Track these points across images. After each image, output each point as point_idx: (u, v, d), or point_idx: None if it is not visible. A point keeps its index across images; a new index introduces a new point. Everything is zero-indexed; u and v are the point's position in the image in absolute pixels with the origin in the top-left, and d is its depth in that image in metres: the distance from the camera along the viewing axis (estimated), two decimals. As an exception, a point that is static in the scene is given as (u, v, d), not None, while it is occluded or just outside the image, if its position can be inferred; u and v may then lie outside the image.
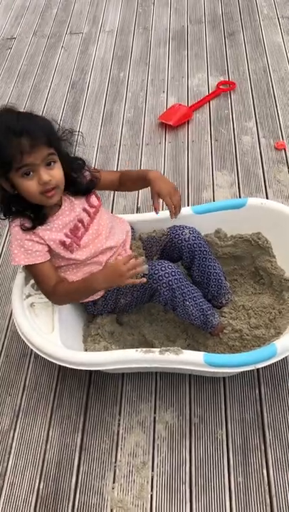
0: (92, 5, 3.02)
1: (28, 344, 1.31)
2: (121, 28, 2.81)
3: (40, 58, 2.72)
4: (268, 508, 1.21)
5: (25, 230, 1.24)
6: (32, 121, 1.17)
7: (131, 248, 1.41)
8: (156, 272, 1.29)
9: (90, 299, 1.38)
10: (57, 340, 1.30)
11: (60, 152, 1.21)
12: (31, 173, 1.16)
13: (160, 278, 1.28)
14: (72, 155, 1.30)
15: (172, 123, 2.19)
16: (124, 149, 2.16)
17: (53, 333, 1.32)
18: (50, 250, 1.28)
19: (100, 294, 1.37)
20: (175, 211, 1.32)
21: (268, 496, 1.23)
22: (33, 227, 1.24)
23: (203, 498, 1.24)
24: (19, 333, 1.33)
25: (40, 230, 1.25)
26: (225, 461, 1.29)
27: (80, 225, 1.31)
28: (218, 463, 1.29)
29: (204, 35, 2.65)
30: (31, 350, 1.37)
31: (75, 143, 1.29)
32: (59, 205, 1.29)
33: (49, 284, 1.29)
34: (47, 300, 1.37)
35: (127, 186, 1.45)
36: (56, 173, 1.19)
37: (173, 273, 1.29)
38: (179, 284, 1.29)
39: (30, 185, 1.17)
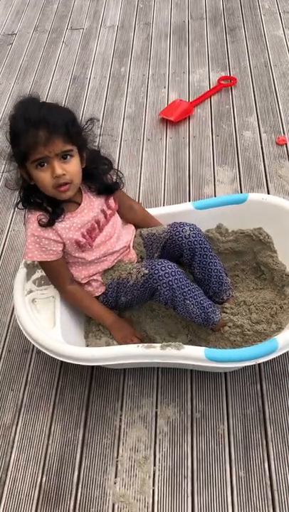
0: (92, 0, 3.00)
1: (30, 340, 1.31)
2: (122, 23, 2.80)
3: (41, 54, 2.72)
4: (270, 503, 1.21)
5: (42, 225, 1.23)
6: (53, 112, 1.16)
7: (133, 247, 1.41)
8: (156, 271, 1.29)
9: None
10: (58, 336, 1.30)
11: (80, 147, 1.21)
12: (45, 164, 1.15)
13: (160, 278, 1.28)
14: (102, 154, 1.31)
15: (173, 119, 2.19)
16: (125, 145, 2.16)
17: (54, 329, 1.32)
18: (64, 247, 1.29)
19: (101, 291, 1.38)
20: None
21: (269, 491, 1.23)
22: (51, 223, 1.23)
23: (205, 493, 1.24)
24: (21, 329, 1.33)
25: (60, 227, 1.25)
26: (226, 456, 1.29)
27: (96, 225, 1.31)
28: (220, 458, 1.29)
29: (205, 31, 2.64)
30: (33, 345, 1.37)
31: (98, 138, 1.31)
32: (78, 202, 1.28)
33: (63, 280, 1.32)
34: (48, 296, 1.37)
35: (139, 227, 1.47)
36: (71, 168, 1.18)
37: (173, 273, 1.29)
38: (179, 284, 1.29)
39: (43, 178, 1.17)
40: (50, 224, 1.23)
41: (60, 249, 1.28)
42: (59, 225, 1.25)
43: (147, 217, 1.48)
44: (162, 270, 1.28)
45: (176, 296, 1.29)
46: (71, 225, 1.27)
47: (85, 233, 1.29)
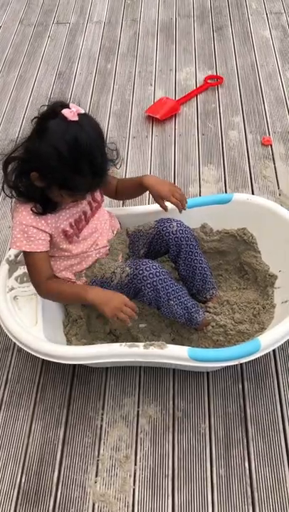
0: (79, -6, 2.98)
1: (11, 338, 1.29)
2: (109, 19, 2.78)
3: (26, 47, 2.68)
4: (249, 501, 1.22)
5: (35, 213, 1.21)
6: (107, 161, 1.19)
7: (118, 244, 1.40)
8: (140, 271, 1.28)
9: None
10: (40, 334, 1.29)
11: None
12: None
13: (144, 278, 1.27)
14: None
15: (159, 116, 2.18)
16: (111, 141, 2.14)
17: (36, 326, 1.31)
18: (51, 239, 1.27)
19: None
20: (182, 205, 1.37)
21: (249, 489, 1.24)
22: (44, 213, 1.22)
23: (185, 491, 1.24)
24: (2, 326, 1.31)
25: (49, 216, 1.24)
26: (207, 455, 1.29)
27: (82, 216, 1.30)
28: (201, 456, 1.29)
29: (193, 29, 2.63)
30: (14, 343, 1.35)
31: None
32: None
33: (41, 276, 1.28)
34: (30, 293, 1.36)
35: (125, 194, 1.47)
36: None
37: (158, 273, 1.28)
38: (163, 285, 1.28)
39: (66, 200, 1.20)
40: (43, 214, 1.22)
41: (48, 239, 1.26)
42: (49, 215, 1.24)
43: (125, 183, 1.45)
44: (147, 270, 1.28)
45: (160, 296, 1.29)
46: (60, 215, 1.26)
47: (73, 223, 1.28)
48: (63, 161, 1.09)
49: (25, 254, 1.27)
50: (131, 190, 1.44)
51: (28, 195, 1.20)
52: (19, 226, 1.22)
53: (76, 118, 1.11)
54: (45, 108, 1.17)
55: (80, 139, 1.09)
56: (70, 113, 1.11)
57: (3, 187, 1.21)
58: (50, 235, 1.26)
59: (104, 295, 1.25)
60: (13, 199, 1.24)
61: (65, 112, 1.11)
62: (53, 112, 1.13)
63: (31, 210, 1.21)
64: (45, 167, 1.12)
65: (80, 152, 1.09)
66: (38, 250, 1.24)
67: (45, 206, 1.21)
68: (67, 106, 1.13)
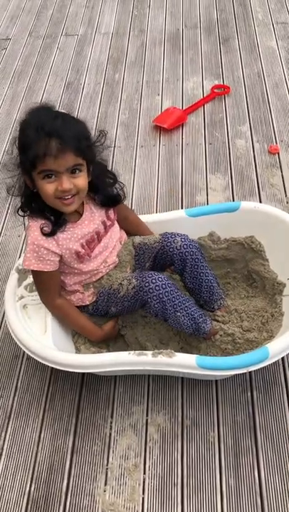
0: (87, 7, 3.02)
1: (21, 346, 1.30)
2: (116, 30, 2.82)
3: (35, 59, 2.72)
4: (259, 510, 1.21)
5: (45, 234, 1.21)
6: (68, 124, 1.14)
7: (125, 255, 1.41)
8: (146, 284, 1.28)
9: (81, 303, 1.38)
10: (49, 342, 1.30)
11: (90, 160, 1.20)
12: (53, 176, 1.14)
13: (150, 291, 1.27)
14: (109, 168, 1.32)
15: (166, 126, 2.20)
16: (119, 151, 2.17)
17: (45, 335, 1.32)
18: (62, 259, 1.27)
19: (91, 300, 1.37)
20: None
21: (259, 498, 1.23)
22: (53, 233, 1.22)
23: (195, 501, 1.24)
24: (12, 335, 1.32)
25: (61, 237, 1.24)
26: (216, 464, 1.29)
27: (95, 236, 1.30)
28: (210, 465, 1.29)
29: (199, 40, 2.66)
30: (23, 351, 1.36)
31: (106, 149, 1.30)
32: (80, 213, 1.28)
33: (51, 294, 1.31)
34: (40, 302, 1.36)
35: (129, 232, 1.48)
36: (79, 182, 1.17)
37: (164, 285, 1.28)
38: (169, 297, 1.28)
39: (48, 189, 1.15)
40: (52, 233, 1.22)
41: (57, 260, 1.26)
42: (60, 235, 1.24)
43: (140, 228, 1.48)
44: (153, 283, 1.27)
45: (166, 308, 1.29)
46: (72, 236, 1.25)
47: (84, 244, 1.28)
48: (20, 142, 1.14)
49: (33, 272, 1.29)
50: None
51: (32, 206, 1.22)
52: (30, 245, 1.23)
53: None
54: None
55: (30, 117, 1.14)
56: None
57: (12, 193, 1.24)
58: (61, 256, 1.26)
59: (102, 338, 1.40)
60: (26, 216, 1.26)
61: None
62: None
63: (41, 230, 1.21)
64: (20, 164, 1.16)
65: (28, 123, 1.13)
66: (46, 270, 1.25)
67: (53, 222, 1.22)
68: (49, 109, 1.18)
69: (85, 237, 1.28)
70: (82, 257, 1.28)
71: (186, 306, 1.31)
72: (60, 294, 1.34)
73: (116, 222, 1.39)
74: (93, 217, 1.29)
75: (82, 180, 1.18)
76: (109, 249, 1.35)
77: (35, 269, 1.25)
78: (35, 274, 1.28)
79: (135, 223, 1.48)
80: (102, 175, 1.30)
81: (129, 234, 1.46)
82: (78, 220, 1.27)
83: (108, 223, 1.33)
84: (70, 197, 1.17)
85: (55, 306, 1.33)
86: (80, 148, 1.13)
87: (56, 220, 1.22)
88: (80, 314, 1.37)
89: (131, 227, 1.46)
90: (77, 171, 1.16)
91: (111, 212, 1.34)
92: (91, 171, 1.22)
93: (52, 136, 1.10)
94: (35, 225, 1.22)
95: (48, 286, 1.30)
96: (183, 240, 1.39)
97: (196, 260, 1.38)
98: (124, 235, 1.45)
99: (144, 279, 1.29)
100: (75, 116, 1.23)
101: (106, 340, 1.42)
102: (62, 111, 1.21)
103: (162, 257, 1.41)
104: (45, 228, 1.21)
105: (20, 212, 1.25)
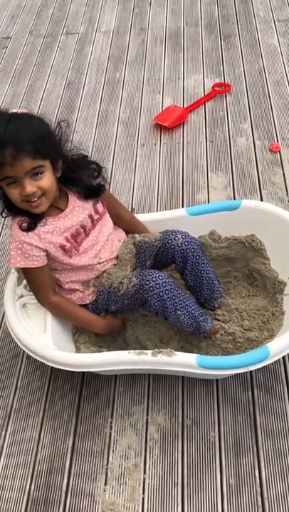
0: (88, 5, 3.01)
1: (20, 345, 1.30)
2: (117, 28, 2.81)
3: (35, 58, 2.71)
4: (260, 510, 1.21)
5: (24, 229, 1.22)
6: (22, 128, 1.11)
7: (125, 254, 1.40)
8: (146, 282, 1.27)
9: (81, 302, 1.37)
10: (49, 342, 1.29)
11: (53, 159, 1.18)
12: (16, 182, 1.14)
13: (151, 289, 1.27)
14: (90, 159, 1.30)
15: (167, 124, 2.19)
16: (119, 150, 2.16)
17: (45, 334, 1.31)
18: (48, 254, 1.27)
19: (91, 299, 1.37)
20: None
21: (259, 498, 1.22)
22: (32, 227, 1.22)
23: (195, 500, 1.23)
24: (11, 334, 1.32)
25: (42, 231, 1.24)
26: (217, 463, 1.28)
27: (81, 230, 1.30)
28: (210, 465, 1.28)
29: (200, 37, 2.65)
30: (23, 351, 1.36)
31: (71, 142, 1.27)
32: (62, 208, 1.27)
33: (45, 292, 1.30)
34: (39, 301, 1.36)
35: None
36: (43, 184, 1.16)
37: (164, 283, 1.27)
38: (170, 295, 1.28)
39: (13, 193, 1.15)
40: (30, 228, 1.22)
41: (43, 254, 1.26)
42: (41, 229, 1.24)
43: (136, 226, 1.47)
44: (153, 281, 1.27)
45: (166, 307, 1.28)
46: (54, 229, 1.25)
47: (70, 237, 1.28)
48: None
49: (23, 270, 1.29)
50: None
51: (8, 208, 1.23)
52: (14, 243, 1.24)
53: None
54: None
55: None
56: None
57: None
58: (46, 251, 1.26)
59: (110, 330, 1.40)
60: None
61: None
62: None
63: (20, 226, 1.22)
64: None
65: None
66: (33, 266, 1.25)
67: (31, 217, 1.22)
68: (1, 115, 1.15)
69: (68, 230, 1.27)
70: (69, 251, 1.28)
71: (187, 305, 1.31)
72: (55, 291, 1.33)
73: (108, 217, 1.38)
74: (78, 211, 1.29)
75: (45, 181, 1.16)
76: (100, 243, 1.34)
77: (21, 266, 1.25)
78: (25, 272, 1.29)
79: (131, 222, 1.47)
80: (81, 167, 1.28)
81: (126, 233, 1.45)
82: (61, 214, 1.27)
83: (96, 217, 1.32)
84: (36, 199, 1.17)
85: (51, 304, 1.32)
86: (37, 149, 1.12)
87: (33, 215, 1.22)
88: (79, 308, 1.36)
89: (127, 226, 1.45)
90: (38, 174, 1.15)
91: (99, 206, 1.34)
92: (60, 166, 1.21)
93: (5, 145, 1.09)
94: (16, 223, 1.24)
95: (39, 283, 1.29)
96: (184, 237, 1.38)
97: (197, 257, 1.38)
98: (124, 234, 1.44)
99: (145, 277, 1.28)
100: (37, 115, 1.20)
101: (111, 330, 1.40)
102: (21, 111, 1.17)
103: (163, 254, 1.40)
104: (23, 224, 1.22)
105: (4, 214, 1.26)
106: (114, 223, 1.42)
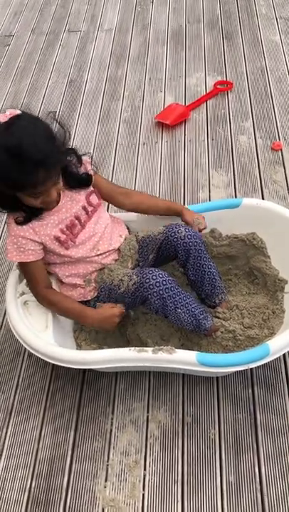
0: (90, 3, 3.01)
1: (22, 342, 1.30)
2: (119, 26, 2.81)
3: (38, 56, 2.72)
4: (260, 507, 1.21)
5: (19, 223, 1.24)
6: (46, 144, 1.12)
7: (128, 250, 1.41)
8: (146, 280, 1.28)
9: (83, 299, 1.38)
10: (50, 338, 1.30)
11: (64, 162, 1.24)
12: (40, 193, 1.18)
13: (150, 287, 1.27)
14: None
15: (169, 122, 2.19)
16: (121, 148, 2.16)
17: (46, 331, 1.32)
18: (45, 248, 1.29)
19: (92, 295, 1.38)
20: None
21: (259, 495, 1.23)
22: (27, 221, 1.24)
23: (195, 497, 1.24)
24: (13, 331, 1.33)
25: (36, 224, 1.26)
26: (217, 461, 1.29)
27: (76, 221, 1.31)
28: (210, 462, 1.29)
29: (202, 35, 2.64)
30: (25, 348, 1.37)
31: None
32: (57, 201, 1.29)
33: (39, 285, 1.32)
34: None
35: (144, 211, 1.49)
36: (60, 185, 1.24)
37: (164, 282, 1.28)
38: (170, 293, 1.28)
39: (35, 202, 1.21)
40: (26, 221, 1.24)
41: (40, 248, 1.28)
42: (36, 223, 1.26)
43: (149, 198, 1.50)
44: (153, 279, 1.28)
45: (166, 305, 1.28)
46: (48, 222, 1.27)
47: (65, 229, 1.29)
48: (3, 166, 1.10)
49: (20, 264, 1.31)
50: (157, 209, 1.48)
51: (8, 206, 1.23)
52: (9, 238, 1.26)
53: (6, 119, 1.12)
54: None
55: (6, 138, 1.09)
56: (3, 117, 1.13)
57: None
58: (42, 244, 1.27)
59: (98, 318, 1.33)
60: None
61: None
62: None
63: (15, 220, 1.24)
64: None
65: (9, 149, 1.09)
66: (29, 260, 1.27)
67: (28, 213, 1.24)
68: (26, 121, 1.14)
69: (63, 222, 1.29)
70: (65, 243, 1.29)
71: (187, 303, 1.31)
72: (50, 285, 1.35)
73: (103, 209, 1.40)
74: (71, 203, 1.31)
75: (61, 183, 1.24)
76: (97, 234, 1.35)
77: (18, 260, 1.27)
78: (21, 265, 1.31)
79: (139, 196, 1.48)
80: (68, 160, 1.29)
81: (142, 211, 1.48)
82: (55, 208, 1.28)
83: (90, 208, 1.34)
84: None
85: (43, 295, 1.32)
86: (60, 162, 1.18)
87: (31, 210, 1.24)
88: (72, 301, 1.35)
89: (136, 199, 1.46)
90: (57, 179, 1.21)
91: (93, 198, 1.35)
92: None
93: (38, 166, 1.11)
94: (12, 218, 1.26)
95: (32, 275, 1.31)
96: (187, 230, 1.39)
97: (200, 251, 1.38)
98: (125, 230, 1.45)
99: (145, 275, 1.29)
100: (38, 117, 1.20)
101: (107, 321, 1.33)
102: (14, 112, 1.15)
103: (166, 247, 1.41)
104: (19, 218, 1.24)
105: (4, 211, 1.26)
106: (126, 204, 1.45)
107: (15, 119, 1.13)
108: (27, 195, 1.18)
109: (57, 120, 1.22)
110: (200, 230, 1.42)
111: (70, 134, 1.24)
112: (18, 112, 1.15)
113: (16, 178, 1.12)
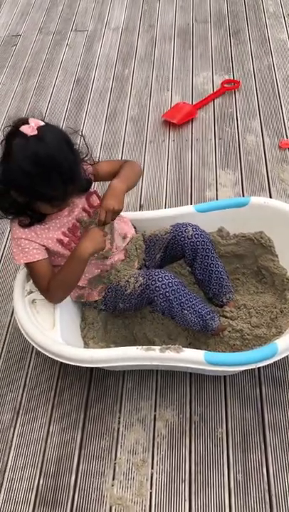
0: (97, 2, 3.01)
1: (29, 341, 1.31)
2: (126, 25, 2.81)
3: (45, 55, 2.72)
4: (268, 507, 1.21)
5: (22, 226, 1.24)
6: (76, 162, 1.17)
7: (135, 250, 1.41)
8: (152, 282, 1.28)
9: (90, 299, 1.38)
10: (58, 337, 1.30)
11: None
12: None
13: (157, 289, 1.27)
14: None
15: (176, 121, 2.19)
16: (128, 147, 2.16)
17: (54, 330, 1.32)
18: (49, 250, 1.29)
19: (100, 295, 1.38)
20: (99, 221, 1.28)
21: (267, 495, 1.22)
22: (31, 224, 1.25)
23: (203, 496, 1.24)
24: (21, 330, 1.33)
25: (38, 228, 1.26)
26: (225, 460, 1.29)
27: (78, 224, 1.31)
28: (218, 461, 1.28)
29: (209, 34, 2.64)
30: (32, 346, 1.37)
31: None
32: None
33: (46, 282, 1.30)
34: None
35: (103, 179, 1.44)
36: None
37: (170, 284, 1.28)
38: (176, 295, 1.28)
39: (51, 209, 1.23)
40: (30, 224, 1.25)
41: (43, 248, 1.28)
42: (38, 227, 1.26)
43: (106, 168, 1.39)
44: (159, 281, 1.27)
45: (173, 307, 1.28)
46: (50, 225, 1.28)
47: (67, 232, 1.30)
48: (30, 177, 1.11)
49: (26, 266, 1.30)
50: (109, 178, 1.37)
51: (15, 211, 1.24)
52: (13, 241, 1.26)
53: (35, 132, 1.11)
54: (9, 128, 1.16)
55: (40, 152, 1.10)
56: (29, 128, 1.12)
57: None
58: (44, 246, 1.27)
59: (91, 243, 1.25)
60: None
61: (23, 128, 1.12)
62: (15, 131, 1.14)
63: (18, 223, 1.24)
64: (18, 186, 1.16)
65: (43, 165, 1.10)
66: (36, 260, 1.26)
67: (33, 217, 1.24)
68: (27, 122, 1.14)
69: (65, 225, 1.29)
70: (67, 245, 1.29)
71: (194, 304, 1.30)
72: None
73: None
74: (72, 207, 1.31)
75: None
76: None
77: (25, 261, 1.27)
78: (28, 266, 1.30)
79: (105, 167, 1.38)
80: None
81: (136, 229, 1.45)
82: (57, 211, 1.28)
83: (91, 210, 1.34)
84: None
85: (50, 287, 1.28)
86: (82, 174, 1.23)
87: (35, 215, 1.25)
88: (65, 262, 1.29)
89: (104, 172, 1.37)
90: None
91: (94, 200, 1.35)
92: None
93: (68, 184, 1.15)
94: (14, 222, 1.26)
95: (42, 275, 1.28)
96: (194, 229, 1.38)
97: (207, 251, 1.38)
98: (132, 230, 1.45)
99: (151, 277, 1.29)
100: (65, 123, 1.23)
101: (93, 240, 1.25)
102: (38, 123, 1.14)
103: (173, 247, 1.41)
104: (24, 221, 1.24)
105: (9, 216, 1.26)
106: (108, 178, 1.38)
107: (43, 132, 1.12)
108: (49, 204, 1.20)
109: (83, 137, 1.27)
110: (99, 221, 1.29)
111: (92, 152, 1.29)
112: (41, 122, 1.15)
113: (46, 192, 1.14)
